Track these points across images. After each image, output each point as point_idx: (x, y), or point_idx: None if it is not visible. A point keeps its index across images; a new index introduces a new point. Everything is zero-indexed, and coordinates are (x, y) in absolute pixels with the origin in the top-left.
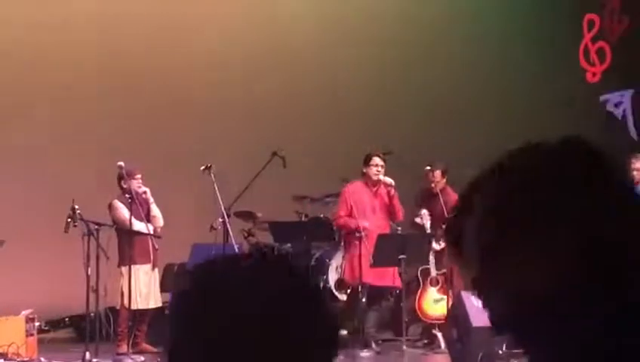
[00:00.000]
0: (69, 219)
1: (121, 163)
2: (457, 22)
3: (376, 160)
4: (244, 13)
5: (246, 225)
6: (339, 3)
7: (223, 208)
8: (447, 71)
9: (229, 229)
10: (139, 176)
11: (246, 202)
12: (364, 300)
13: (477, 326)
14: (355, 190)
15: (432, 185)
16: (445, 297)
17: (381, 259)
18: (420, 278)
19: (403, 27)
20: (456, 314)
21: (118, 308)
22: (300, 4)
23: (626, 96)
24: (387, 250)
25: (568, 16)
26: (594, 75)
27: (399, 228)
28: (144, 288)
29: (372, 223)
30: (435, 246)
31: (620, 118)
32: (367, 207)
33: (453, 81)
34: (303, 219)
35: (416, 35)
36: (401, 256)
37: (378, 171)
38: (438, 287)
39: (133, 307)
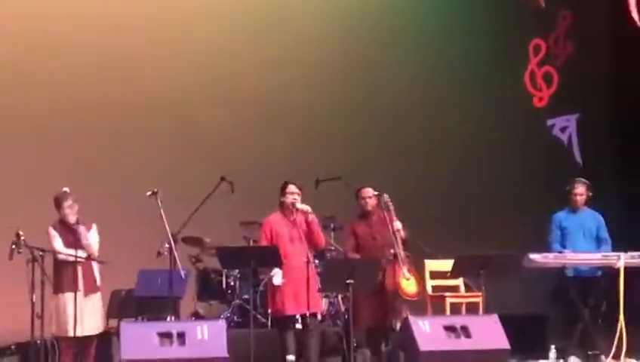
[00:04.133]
0: (14, 246)
1: (66, 189)
2: (407, 46)
3: (292, 188)
4: (189, 40)
5: (194, 251)
6: (281, 30)
7: (169, 233)
8: (394, 98)
9: (176, 255)
10: (66, 203)
11: (194, 228)
12: (298, 327)
13: (425, 351)
14: (274, 221)
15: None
16: (413, 277)
17: (329, 284)
18: (391, 260)
19: (354, 54)
20: (404, 338)
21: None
22: (242, 34)
23: (571, 121)
24: (335, 275)
25: (514, 42)
26: (541, 99)
27: (316, 261)
28: (71, 315)
29: (292, 253)
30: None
31: (565, 143)
32: (285, 237)
33: (399, 109)
34: (251, 244)
35: (366, 63)
36: (349, 281)
37: (295, 199)
38: (407, 268)
39: (77, 334)
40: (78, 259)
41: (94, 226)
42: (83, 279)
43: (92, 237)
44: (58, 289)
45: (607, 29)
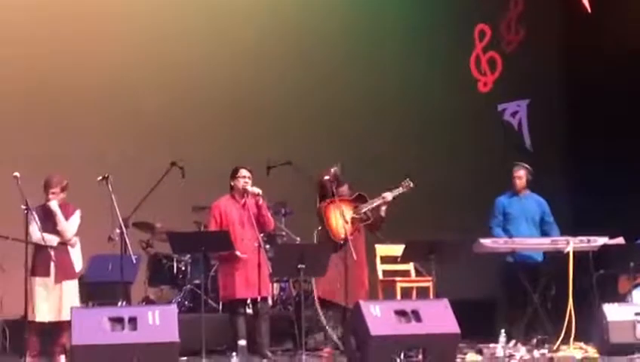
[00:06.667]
0: None
1: (17, 173)
2: (353, 32)
3: (243, 172)
4: (138, 28)
5: (145, 236)
6: (232, 18)
7: (120, 219)
8: (345, 85)
9: (127, 240)
10: (52, 189)
11: (145, 213)
12: (249, 311)
13: (376, 335)
14: (224, 205)
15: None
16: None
17: (280, 269)
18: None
19: (301, 40)
20: (355, 323)
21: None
22: (191, 22)
23: (522, 106)
24: (287, 260)
25: (460, 27)
26: (485, 84)
27: (268, 247)
28: (43, 301)
29: (242, 237)
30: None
31: (515, 128)
32: (235, 221)
33: (350, 95)
34: (202, 229)
35: (314, 48)
36: (300, 266)
37: (246, 183)
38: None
39: (37, 319)
40: (49, 245)
41: (77, 212)
42: (54, 266)
43: (71, 223)
44: (31, 272)
45: (559, 16)
